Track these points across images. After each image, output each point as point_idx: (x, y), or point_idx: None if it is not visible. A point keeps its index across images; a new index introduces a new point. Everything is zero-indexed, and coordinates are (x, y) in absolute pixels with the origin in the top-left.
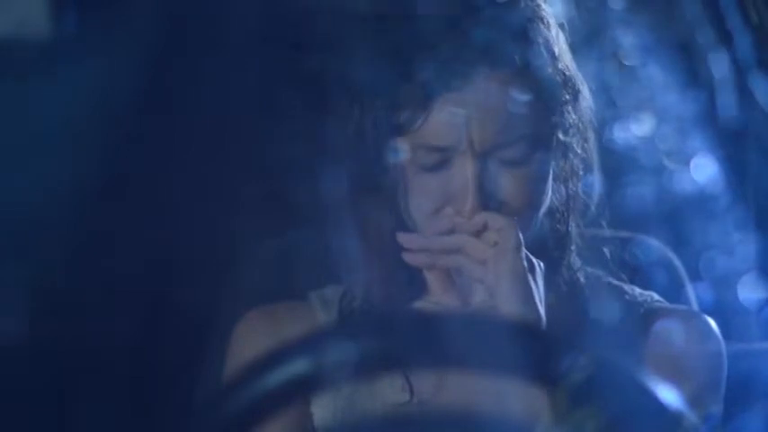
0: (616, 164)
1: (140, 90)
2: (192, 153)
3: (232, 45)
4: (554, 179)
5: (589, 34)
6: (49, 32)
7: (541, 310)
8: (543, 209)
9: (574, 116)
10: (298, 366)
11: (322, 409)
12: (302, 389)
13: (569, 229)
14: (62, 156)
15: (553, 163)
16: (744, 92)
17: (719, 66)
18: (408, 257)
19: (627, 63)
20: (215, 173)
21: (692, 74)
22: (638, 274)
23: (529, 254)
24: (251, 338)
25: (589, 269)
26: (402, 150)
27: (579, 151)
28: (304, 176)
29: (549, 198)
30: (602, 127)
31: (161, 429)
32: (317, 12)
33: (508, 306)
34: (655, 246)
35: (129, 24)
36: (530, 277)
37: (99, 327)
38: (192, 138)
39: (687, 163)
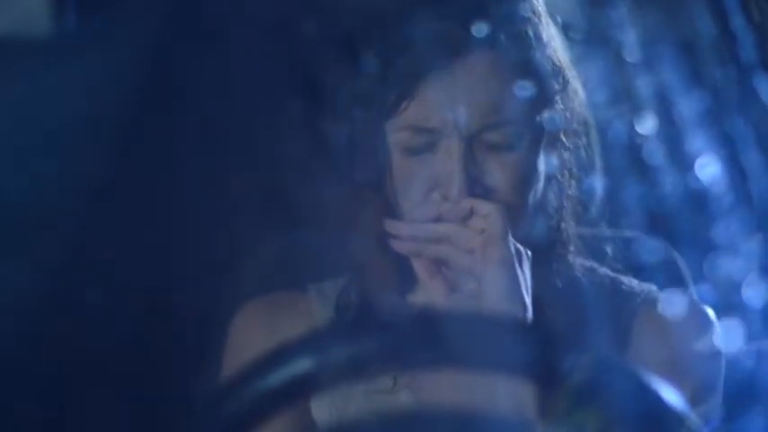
0: (618, 163)
1: (140, 89)
2: (192, 151)
3: (231, 43)
4: (546, 172)
5: (592, 33)
6: (50, 31)
7: (527, 299)
8: (532, 197)
9: (562, 105)
10: (296, 367)
11: (319, 402)
12: (302, 389)
13: (562, 223)
14: (62, 154)
15: (543, 155)
16: (746, 91)
17: (722, 65)
18: (395, 245)
19: (630, 62)
20: (215, 170)
21: (695, 73)
22: (641, 274)
23: (516, 242)
24: (249, 330)
25: (587, 262)
26: (390, 135)
27: (569, 144)
28: (300, 171)
29: (539, 187)
30: (604, 125)
31: (161, 429)
32: (308, 2)
33: (494, 293)
34: (658, 245)
35: (130, 22)
36: (517, 265)
37: (99, 326)
38: (192, 136)
39: (690, 162)
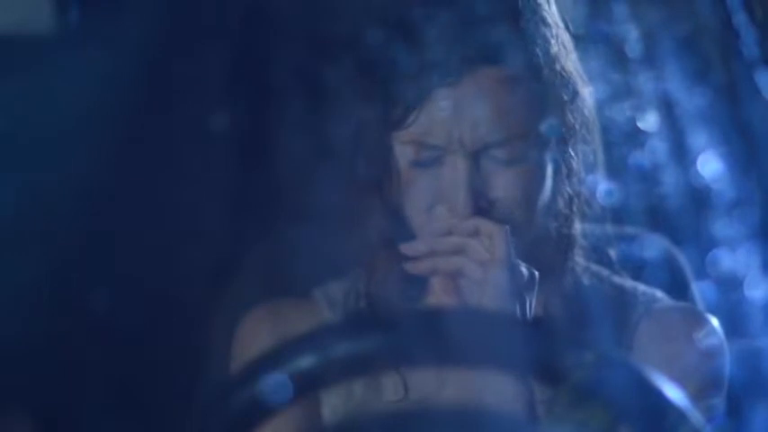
0: (621, 161)
1: (141, 87)
2: (192, 150)
3: (232, 41)
4: (556, 181)
5: (595, 30)
6: (52, 29)
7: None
8: (539, 210)
9: (571, 117)
10: (300, 363)
11: (332, 410)
12: (304, 386)
13: (572, 231)
14: (64, 153)
15: (552, 165)
16: (749, 88)
17: (724, 62)
18: (411, 267)
19: (633, 59)
20: (216, 170)
21: (697, 70)
22: (643, 272)
23: (520, 262)
24: (256, 336)
25: (593, 267)
26: (396, 146)
27: (579, 154)
28: (304, 174)
29: (546, 199)
30: (607, 123)
31: (162, 429)
32: (315, 9)
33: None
34: (660, 243)
35: (132, 19)
36: (519, 287)
37: (99, 326)
38: (193, 134)
39: (693, 160)
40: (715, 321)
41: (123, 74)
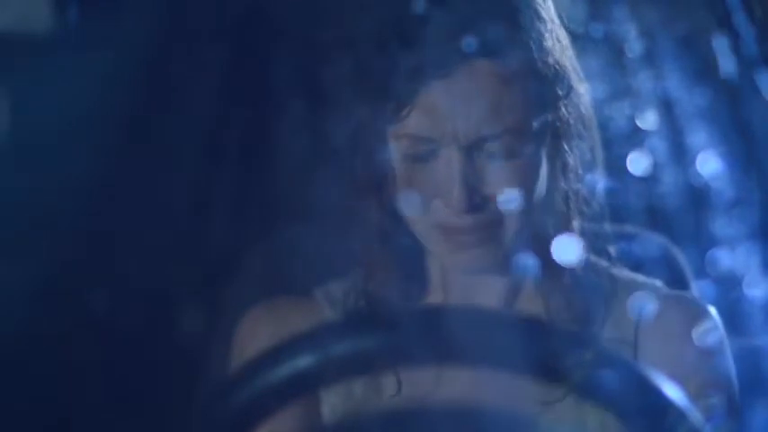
0: (620, 160)
1: (141, 87)
2: (192, 150)
3: (232, 42)
4: (552, 176)
5: (594, 28)
6: (50, 28)
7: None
8: (535, 202)
9: (565, 112)
10: (300, 362)
11: (332, 409)
12: (304, 385)
13: (570, 228)
14: (62, 152)
15: (547, 161)
16: (748, 87)
17: (724, 61)
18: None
19: (631, 58)
20: (215, 169)
21: (697, 69)
22: (642, 270)
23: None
24: (255, 336)
25: (592, 257)
26: (391, 141)
27: (574, 149)
28: (303, 174)
29: (542, 192)
30: (606, 122)
31: (162, 429)
32: (312, 7)
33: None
34: (660, 242)
35: (131, 19)
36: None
37: (99, 326)
38: (192, 134)
39: (692, 159)
40: (714, 312)
41: (122, 73)
